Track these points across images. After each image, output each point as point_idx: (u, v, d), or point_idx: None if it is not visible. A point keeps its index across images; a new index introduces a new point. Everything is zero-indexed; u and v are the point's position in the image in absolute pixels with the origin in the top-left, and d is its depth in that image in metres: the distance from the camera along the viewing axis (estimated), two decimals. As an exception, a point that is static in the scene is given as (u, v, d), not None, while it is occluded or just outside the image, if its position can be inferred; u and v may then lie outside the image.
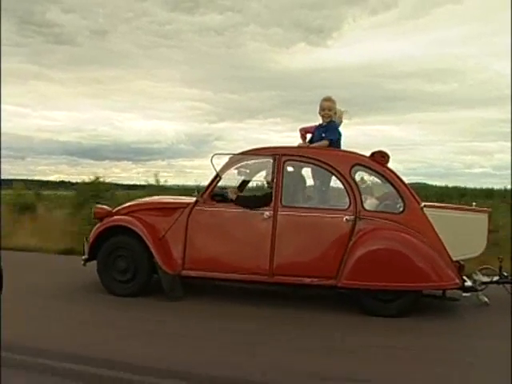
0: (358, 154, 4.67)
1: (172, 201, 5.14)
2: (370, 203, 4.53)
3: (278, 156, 4.60)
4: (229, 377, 2.90)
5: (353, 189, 4.47)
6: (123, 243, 4.81)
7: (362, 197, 4.48)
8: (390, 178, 4.53)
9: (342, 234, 4.42)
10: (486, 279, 4.80)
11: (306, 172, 4.97)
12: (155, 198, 5.55)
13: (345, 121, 5.12)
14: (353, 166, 4.54)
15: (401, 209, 4.48)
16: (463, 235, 4.46)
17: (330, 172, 4.56)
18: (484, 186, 17.41)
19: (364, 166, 4.59)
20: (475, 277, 4.80)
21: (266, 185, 4.74)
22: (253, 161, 4.85)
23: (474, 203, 4.81)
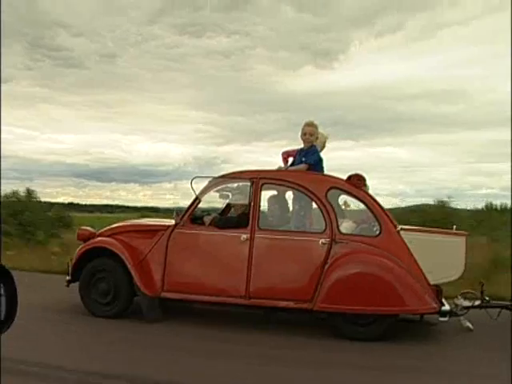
0: (334, 177, 4.70)
1: (153, 223, 5.21)
2: (346, 226, 4.53)
3: (256, 179, 4.65)
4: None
5: (329, 212, 4.49)
6: (104, 265, 4.87)
7: (338, 220, 4.49)
8: (367, 201, 4.54)
9: (317, 258, 4.41)
10: (467, 304, 4.74)
11: (290, 196, 5.01)
12: (138, 221, 5.62)
13: (328, 145, 5.17)
14: (329, 190, 4.56)
15: (377, 232, 4.48)
16: (441, 259, 4.43)
17: (307, 195, 4.59)
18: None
19: (340, 189, 4.62)
20: (456, 301, 4.74)
21: (244, 208, 4.76)
22: (232, 184, 4.90)
23: (454, 226, 4.78)
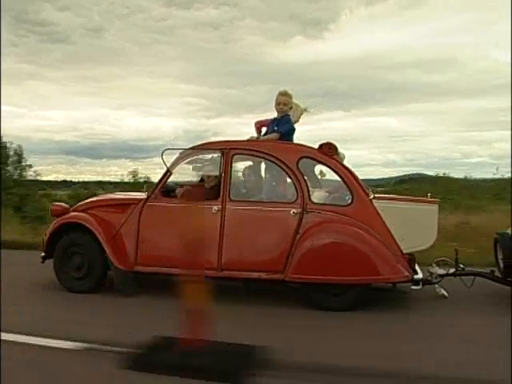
0: (305, 146, 4.61)
1: (125, 197, 5.15)
2: (317, 196, 4.47)
3: (227, 150, 4.57)
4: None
5: (300, 182, 4.42)
6: (77, 240, 4.83)
7: (310, 190, 4.43)
8: (338, 170, 4.46)
9: (289, 228, 4.36)
10: (441, 272, 4.71)
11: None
12: (111, 195, 5.57)
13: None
14: (300, 159, 4.48)
15: (349, 201, 4.42)
16: (413, 227, 4.38)
17: (278, 165, 4.51)
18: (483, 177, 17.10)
19: (311, 158, 4.53)
20: (431, 269, 4.72)
21: (216, 179, 4.69)
22: (203, 155, 4.82)
23: (428, 194, 4.72)
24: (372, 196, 4.41)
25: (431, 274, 4.70)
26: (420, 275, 4.39)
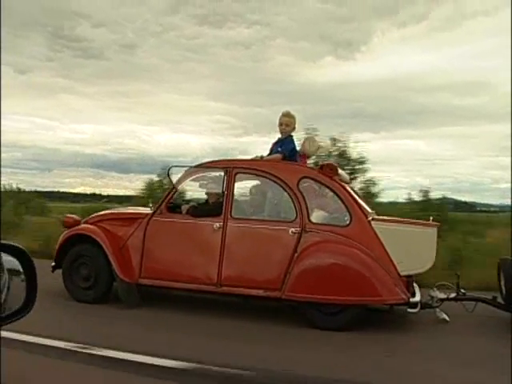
0: (307, 166, 4.71)
1: (133, 211, 5.33)
2: (316, 216, 4.53)
3: (230, 169, 4.70)
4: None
5: (300, 201, 4.50)
6: (86, 251, 5.02)
7: (310, 210, 4.50)
8: (338, 191, 4.53)
9: (287, 247, 4.44)
10: (442, 296, 4.68)
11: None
12: (120, 209, 5.76)
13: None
14: (301, 179, 4.57)
15: (347, 222, 4.47)
16: (411, 250, 4.39)
17: (279, 185, 4.61)
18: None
19: (312, 178, 4.62)
20: (432, 293, 4.70)
21: (219, 197, 4.82)
22: (208, 173, 4.97)
23: (431, 218, 4.72)
24: (371, 218, 4.45)
25: (432, 297, 4.67)
26: (417, 298, 4.38)
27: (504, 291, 4.58)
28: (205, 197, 5.24)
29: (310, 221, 4.47)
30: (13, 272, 1.28)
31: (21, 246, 1.30)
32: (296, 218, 4.49)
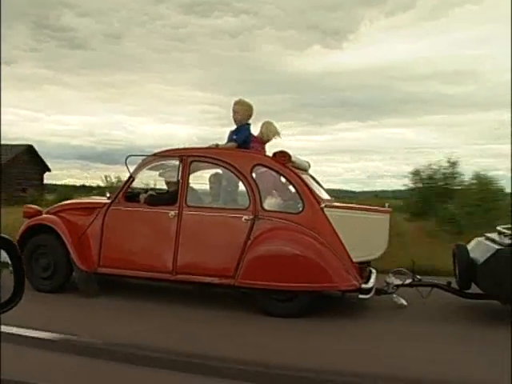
0: (260, 154, 4.70)
1: (93, 201, 5.33)
2: (269, 203, 4.54)
3: (185, 157, 4.70)
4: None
5: (253, 189, 4.50)
6: (45, 241, 5.02)
7: (263, 197, 4.51)
8: (290, 178, 4.53)
9: (241, 234, 4.44)
10: (398, 282, 4.70)
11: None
12: (80, 199, 5.76)
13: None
14: (254, 166, 4.57)
15: (300, 209, 4.47)
16: (364, 236, 4.40)
17: (233, 172, 4.61)
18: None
19: (265, 166, 4.62)
20: (388, 279, 4.71)
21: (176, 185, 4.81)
22: (166, 162, 4.96)
23: (386, 204, 4.72)
24: (324, 204, 4.45)
25: (388, 284, 4.69)
26: (370, 284, 4.39)
27: (458, 277, 4.59)
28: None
29: (262, 208, 4.47)
30: (2, 264, 1.28)
31: (8, 237, 1.30)
32: (249, 205, 4.49)
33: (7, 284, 1.27)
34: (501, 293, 4.14)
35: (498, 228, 4.61)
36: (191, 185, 4.70)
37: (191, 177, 4.81)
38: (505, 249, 4.10)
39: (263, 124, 5.11)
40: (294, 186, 4.51)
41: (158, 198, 4.82)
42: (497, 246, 4.18)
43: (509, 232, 4.42)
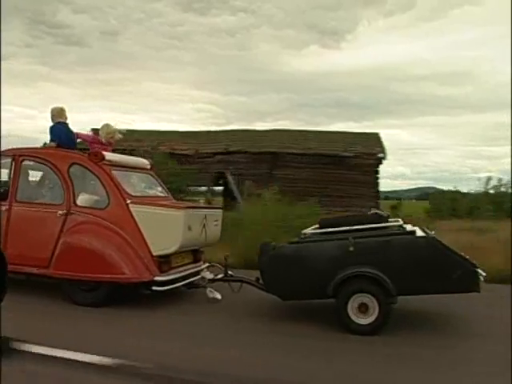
0: (77, 154, 5.00)
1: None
2: (81, 199, 4.82)
3: (17, 156, 5.07)
4: None
5: (68, 186, 4.82)
6: None
7: (77, 193, 4.80)
8: (100, 176, 4.79)
9: (56, 228, 4.77)
10: (211, 276, 4.85)
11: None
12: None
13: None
14: (71, 165, 4.88)
15: (105, 204, 4.73)
16: (162, 231, 4.59)
17: (53, 170, 4.93)
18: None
19: (80, 164, 4.90)
20: (203, 274, 4.88)
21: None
22: (6, 160, 5.33)
23: (201, 200, 4.87)
24: (129, 201, 4.68)
25: (203, 278, 4.86)
26: (167, 277, 4.58)
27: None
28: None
29: (75, 204, 4.77)
30: None
31: None
32: (64, 201, 4.80)
33: None
34: (276, 291, 4.26)
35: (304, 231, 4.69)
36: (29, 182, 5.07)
37: (31, 174, 5.20)
38: (277, 250, 4.23)
39: (101, 126, 5.42)
40: (101, 183, 4.77)
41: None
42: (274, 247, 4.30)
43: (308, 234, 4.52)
